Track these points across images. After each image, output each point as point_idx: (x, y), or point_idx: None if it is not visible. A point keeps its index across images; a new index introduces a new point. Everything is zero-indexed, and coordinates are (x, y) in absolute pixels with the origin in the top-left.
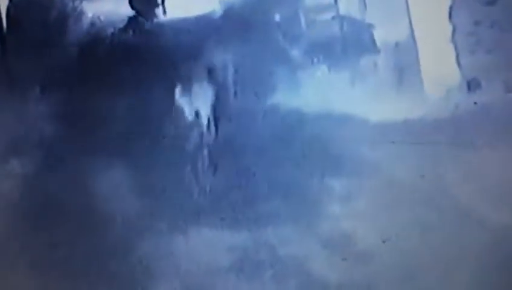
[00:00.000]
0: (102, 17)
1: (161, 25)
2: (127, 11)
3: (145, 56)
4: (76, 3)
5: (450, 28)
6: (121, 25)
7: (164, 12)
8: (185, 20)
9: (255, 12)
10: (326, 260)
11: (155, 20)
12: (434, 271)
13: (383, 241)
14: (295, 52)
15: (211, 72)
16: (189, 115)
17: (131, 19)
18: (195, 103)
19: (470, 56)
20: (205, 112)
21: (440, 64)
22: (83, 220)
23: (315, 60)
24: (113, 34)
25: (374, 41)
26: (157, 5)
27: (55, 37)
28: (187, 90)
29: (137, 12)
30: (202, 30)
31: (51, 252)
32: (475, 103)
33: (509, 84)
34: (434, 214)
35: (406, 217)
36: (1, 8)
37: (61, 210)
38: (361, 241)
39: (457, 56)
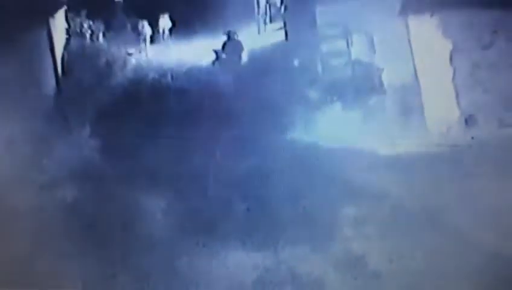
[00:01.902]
0: (144, 64)
1: (195, 70)
2: (165, 59)
3: (181, 97)
4: (122, 51)
5: (451, 70)
6: (161, 72)
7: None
8: (216, 66)
9: (276, 58)
10: (339, 278)
11: (190, 65)
12: (435, 288)
13: (390, 262)
14: (312, 93)
15: (237, 110)
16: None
17: (169, 67)
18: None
19: (468, 95)
20: None
21: (441, 103)
22: (124, 240)
23: (330, 99)
24: (153, 78)
25: (382, 83)
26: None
27: (103, 81)
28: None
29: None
30: (230, 74)
31: (97, 266)
32: (472, 137)
33: (503, 120)
34: (435, 238)
35: (410, 240)
36: (57, 55)
37: (106, 231)
38: (370, 262)
39: (456, 96)
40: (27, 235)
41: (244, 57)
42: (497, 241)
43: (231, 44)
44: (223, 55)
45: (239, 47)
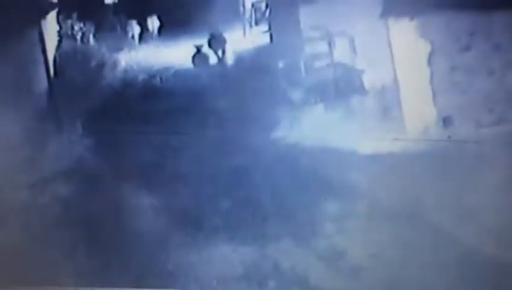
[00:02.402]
0: (134, 66)
1: (182, 72)
2: (155, 61)
3: (169, 99)
4: (112, 53)
5: (429, 72)
6: (150, 73)
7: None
8: (204, 68)
9: (261, 60)
10: (321, 272)
11: (177, 67)
12: (414, 282)
13: (371, 256)
14: (295, 94)
15: (221, 112)
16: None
17: (158, 68)
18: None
19: (446, 96)
20: None
21: (419, 104)
22: (116, 235)
23: (312, 100)
24: (143, 80)
25: (362, 84)
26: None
27: (94, 82)
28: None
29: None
30: (216, 76)
31: (89, 261)
32: (449, 137)
33: (480, 121)
34: (414, 233)
35: (389, 236)
36: (49, 56)
37: (98, 227)
38: (352, 256)
39: (434, 97)
40: (18, 233)
41: (229, 51)
42: (474, 237)
43: (214, 40)
44: (204, 50)
45: (221, 41)
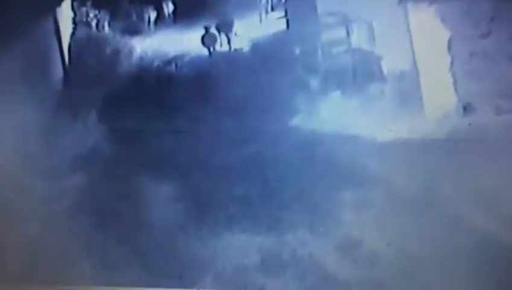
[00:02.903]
0: (149, 53)
1: (198, 59)
2: (170, 47)
3: (185, 85)
4: (127, 40)
5: (448, 58)
6: (165, 59)
7: (230, 49)
8: (218, 55)
9: (278, 47)
10: (338, 261)
11: (194, 54)
12: (432, 270)
13: (388, 245)
14: (313, 81)
15: (238, 99)
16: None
17: (174, 55)
18: None
19: (466, 83)
20: None
21: (439, 91)
22: (133, 225)
23: (330, 87)
24: (158, 66)
25: (381, 71)
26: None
27: (109, 69)
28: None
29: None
30: (233, 63)
31: (105, 250)
32: (470, 124)
33: (499, 108)
34: (432, 221)
35: (408, 224)
36: (64, 44)
37: (114, 216)
38: (369, 245)
39: (454, 83)
40: (35, 222)
41: (244, 37)
42: (493, 225)
43: (222, 23)
44: (212, 30)
45: (230, 23)
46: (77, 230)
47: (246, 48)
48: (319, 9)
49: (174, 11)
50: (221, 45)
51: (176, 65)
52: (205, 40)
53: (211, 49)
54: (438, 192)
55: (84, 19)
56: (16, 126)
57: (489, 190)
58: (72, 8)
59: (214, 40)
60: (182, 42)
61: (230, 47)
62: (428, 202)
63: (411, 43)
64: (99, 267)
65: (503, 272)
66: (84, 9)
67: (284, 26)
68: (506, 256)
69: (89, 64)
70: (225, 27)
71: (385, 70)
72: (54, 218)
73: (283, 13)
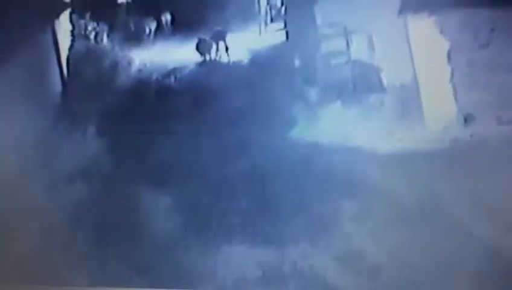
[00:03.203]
0: (148, 65)
1: (197, 71)
2: (168, 60)
3: (184, 97)
4: (125, 52)
5: (448, 69)
6: (164, 72)
7: (228, 56)
8: (217, 67)
9: (277, 58)
10: (340, 273)
11: (192, 67)
12: (434, 281)
13: (390, 257)
14: (312, 92)
15: (237, 111)
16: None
17: (172, 67)
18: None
19: (466, 94)
20: None
21: (439, 102)
22: (131, 236)
23: (330, 98)
24: (157, 79)
25: (381, 82)
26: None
27: (108, 81)
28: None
29: (201, 55)
30: (232, 75)
31: (104, 262)
32: (471, 135)
33: (500, 118)
34: (434, 232)
35: (409, 235)
36: (62, 56)
37: (113, 227)
38: (370, 257)
39: (455, 94)
40: (34, 234)
41: (244, 49)
42: (496, 236)
43: (216, 33)
44: (206, 39)
45: (223, 34)
46: (76, 242)
47: (245, 59)
48: (319, 21)
49: (172, 23)
50: (216, 52)
51: (175, 77)
52: (200, 47)
53: (207, 56)
54: (439, 203)
55: (83, 32)
56: (15, 138)
57: (491, 200)
58: (71, 21)
59: (209, 47)
60: (180, 54)
61: (227, 55)
62: (430, 213)
63: (411, 54)
64: (97, 279)
65: (505, 282)
66: (82, 21)
67: (284, 37)
68: (508, 266)
69: (87, 77)
70: (218, 37)
71: (385, 81)
72: (52, 230)
73: (282, 25)
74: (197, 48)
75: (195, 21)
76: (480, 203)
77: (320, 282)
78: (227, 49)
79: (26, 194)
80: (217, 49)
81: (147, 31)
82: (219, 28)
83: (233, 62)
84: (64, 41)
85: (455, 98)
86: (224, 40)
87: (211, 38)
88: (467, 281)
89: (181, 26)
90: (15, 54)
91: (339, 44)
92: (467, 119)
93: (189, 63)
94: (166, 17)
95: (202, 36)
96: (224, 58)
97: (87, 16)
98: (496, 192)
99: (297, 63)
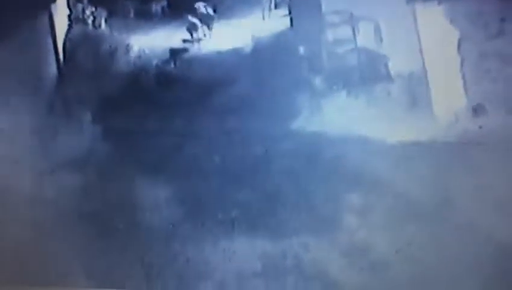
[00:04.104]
0: (147, 50)
1: (198, 58)
2: (168, 45)
3: (184, 84)
4: (124, 37)
5: (458, 59)
6: (164, 57)
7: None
8: (219, 54)
9: (281, 45)
10: (345, 267)
11: (193, 53)
12: (442, 278)
13: (396, 252)
14: (317, 81)
15: (242, 98)
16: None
17: (172, 52)
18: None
19: (476, 84)
20: None
21: (449, 92)
22: (128, 227)
23: (335, 87)
24: (156, 64)
25: (388, 71)
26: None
27: (105, 67)
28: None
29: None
30: (235, 62)
31: (100, 253)
32: (480, 126)
33: (509, 109)
34: (442, 227)
35: (416, 230)
36: (58, 42)
37: (110, 219)
38: (376, 251)
39: (464, 84)
40: (28, 224)
41: (247, 35)
42: (506, 230)
43: (204, 16)
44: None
45: (210, 17)
46: (71, 232)
47: (249, 46)
48: (324, 8)
49: (171, 8)
50: (203, 34)
51: (175, 63)
52: (188, 28)
53: (194, 35)
54: (448, 195)
55: (80, 16)
56: (9, 125)
57: (501, 193)
58: (68, 5)
59: (196, 27)
60: (179, 40)
61: (210, 35)
62: (438, 206)
63: (419, 43)
64: (93, 270)
65: None
66: (80, 6)
67: (288, 24)
68: None
69: (84, 62)
70: (206, 20)
71: (392, 70)
72: (47, 220)
73: (287, 11)
74: (187, 29)
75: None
76: (489, 196)
77: (324, 276)
78: (209, 28)
79: (20, 181)
80: (204, 31)
81: (146, 16)
82: (207, 11)
83: (236, 48)
84: (61, 26)
85: (465, 89)
86: (210, 23)
87: (199, 20)
88: (476, 279)
89: (181, 11)
90: (10, 38)
91: (344, 31)
92: (477, 110)
93: (190, 49)
94: (164, 3)
95: (192, 19)
96: (208, 36)
97: (85, 0)
98: (505, 184)
99: (301, 50)
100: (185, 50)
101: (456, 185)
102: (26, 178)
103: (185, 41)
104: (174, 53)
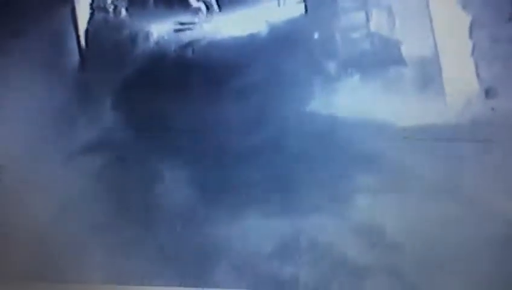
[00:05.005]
0: (166, 37)
1: (215, 43)
2: (187, 32)
3: (202, 69)
4: (144, 24)
5: (470, 43)
6: (182, 44)
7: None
8: (235, 39)
9: (296, 31)
10: (357, 247)
11: (209, 38)
12: (455, 258)
13: (409, 232)
14: (331, 65)
15: (255, 84)
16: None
17: (190, 40)
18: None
19: (488, 69)
20: None
21: (460, 76)
22: (147, 213)
23: (349, 72)
24: (175, 50)
25: (401, 55)
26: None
27: (126, 53)
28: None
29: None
30: (249, 48)
31: (118, 235)
32: (492, 108)
33: None
34: (455, 208)
35: (429, 210)
36: (80, 29)
37: (128, 204)
38: (389, 231)
39: (476, 69)
40: (48, 209)
41: (263, 21)
42: None
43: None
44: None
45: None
46: (89, 216)
47: (264, 32)
48: None
49: None
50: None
51: (193, 50)
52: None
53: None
54: (461, 177)
55: (102, 4)
56: (31, 110)
57: None
58: None
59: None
60: (199, 27)
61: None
62: (451, 187)
63: (432, 28)
64: (109, 251)
65: None
66: None
67: (303, 10)
68: None
69: (105, 49)
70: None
71: (405, 54)
72: (66, 203)
73: None
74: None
75: None
76: (502, 179)
77: (337, 255)
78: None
79: (43, 164)
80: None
81: (165, 4)
82: None
83: (251, 34)
84: (83, 14)
85: (477, 72)
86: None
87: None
88: (489, 260)
89: None
90: (33, 26)
91: (358, 17)
92: (489, 93)
93: (207, 35)
94: None
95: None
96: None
97: None
98: None
99: (316, 36)
100: (181, 30)
101: (468, 166)
102: (48, 161)
103: (182, 24)
104: (192, 41)
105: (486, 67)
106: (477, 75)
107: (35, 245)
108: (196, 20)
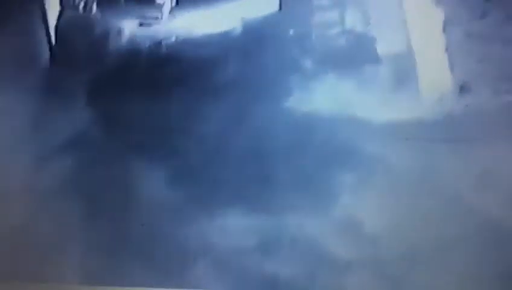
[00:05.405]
0: (138, 34)
1: (189, 40)
2: (160, 28)
3: (175, 66)
4: (115, 21)
5: (444, 40)
6: (155, 41)
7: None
8: (209, 36)
9: (271, 28)
10: (338, 242)
11: (182, 36)
12: (432, 252)
13: (388, 227)
14: (307, 62)
15: (230, 81)
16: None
17: (162, 36)
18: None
19: (462, 65)
20: None
21: (435, 72)
22: (122, 210)
23: (324, 69)
24: (149, 47)
25: (376, 53)
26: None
27: (97, 50)
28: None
29: None
30: (225, 44)
31: (96, 235)
32: (466, 105)
33: (496, 88)
34: (432, 202)
35: (407, 205)
36: (50, 26)
37: (103, 201)
38: (368, 227)
39: (450, 65)
40: (24, 209)
41: (236, 18)
42: (495, 206)
43: None
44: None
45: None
46: (66, 215)
47: (238, 28)
48: None
49: None
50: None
51: (166, 47)
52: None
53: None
54: (436, 172)
55: (71, 1)
56: (3, 109)
57: (488, 170)
58: None
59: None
60: (171, 23)
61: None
62: (427, 182)
63: (405, 24)
64: (89, 251)
65: (507, 255)
66: None
67: (277, 7)
68: (507, 237)
69: (76, 46)
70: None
71: (380, 52)
72: (42, 202)
73: None
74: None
75: None
76: (479, 174)
77: (319, 251)
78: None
79: (13, 167)
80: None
81: (135, 0)
82: None
83: (226, 31)
84: (53, 11)
85: (451, 69)
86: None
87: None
88: (466, 252)
89: None
90: (3, 24)
91: (333, 14)
92: (463, 89)
93: (179, 33)
94: None
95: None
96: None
97: None
98: (494, 162)
99: (291, 33)
100: (144, 25)
101: (443, 161)
102: (22, 160)
103: (145, 18)
104: (165, 37)
105: (460, 64)
106: (452, 71)
107: (8, 246)
108: (159, 15)
